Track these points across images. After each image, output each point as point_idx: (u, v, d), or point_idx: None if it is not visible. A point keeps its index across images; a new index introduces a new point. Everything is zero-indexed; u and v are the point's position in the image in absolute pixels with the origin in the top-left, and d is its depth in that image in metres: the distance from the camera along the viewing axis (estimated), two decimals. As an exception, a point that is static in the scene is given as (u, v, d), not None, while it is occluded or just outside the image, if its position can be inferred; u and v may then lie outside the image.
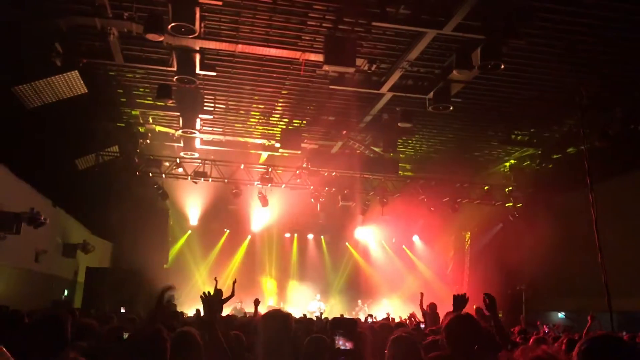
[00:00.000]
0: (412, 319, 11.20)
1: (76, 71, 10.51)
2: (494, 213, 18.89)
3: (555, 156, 15.52)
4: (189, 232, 21.02)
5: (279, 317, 3.40)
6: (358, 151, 15.94)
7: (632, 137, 12.47)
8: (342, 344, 2.88)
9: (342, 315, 15.15)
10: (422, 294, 13.12)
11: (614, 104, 12.34)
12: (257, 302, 9.46)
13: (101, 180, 15.32)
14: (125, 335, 4.44)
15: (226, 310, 13.83)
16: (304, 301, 20.23)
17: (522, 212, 17.86)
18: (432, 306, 14.24)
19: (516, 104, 12.90)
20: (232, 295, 12.14)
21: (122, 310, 12.49)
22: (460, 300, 5.02)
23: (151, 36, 9.09)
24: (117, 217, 16.43)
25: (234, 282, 11.87)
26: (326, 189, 17.72)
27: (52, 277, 14.10)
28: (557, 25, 9.37)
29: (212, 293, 3.53)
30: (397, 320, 13.61)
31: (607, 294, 4.98)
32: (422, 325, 9.86)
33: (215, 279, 12.30)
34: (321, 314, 15.32)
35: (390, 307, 19.82)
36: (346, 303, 21.27)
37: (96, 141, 15.09)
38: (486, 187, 18.00)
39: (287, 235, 22.79)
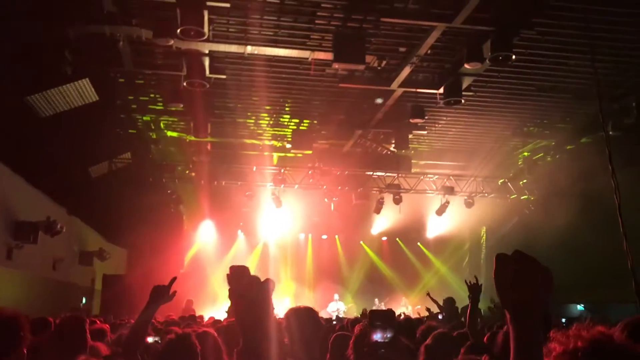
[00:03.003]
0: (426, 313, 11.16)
1: (87, 79, 10.54)
2: (510, 207, 18.77)
3: (569, 147, 15.38)
4: (204, 236, 21.06)
5: (307, 311, 3.37)
6: (370, 149, 15.88)
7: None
8: (381, 336, 2.84)
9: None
10: (428, 294, 13.05)
11: (628, 93, 12.20)
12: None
13: (115, 188, 15.39)
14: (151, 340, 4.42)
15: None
16: (322, 302, 20.19)
17: (538, 204, 17.71)
18: (450, 300, 14.17)
19: (529, 96, 12.78)
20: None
21: None
22: (474, 289, 5.05)
23: (160, 41, 9.11)
24: (132, 224, 16.47)
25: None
26: (339, 188, 17.69)
27: (70, 284, 14.19)
28: (570, 14, 9.25)
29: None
30: (413, 317, 13.58)
31: (634, 280, 4.88)
32: (440, 316, 9.77)
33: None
34: (344, 313, 15.30)
35: (409, 304, 19.74)
36: (363, 302, 21.19)
37: (109, 148, 15.16)
38: (500, 181, 17.89)
39: (302, 235, 22.77)
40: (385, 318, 2.97)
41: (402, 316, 14.46)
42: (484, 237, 21.12)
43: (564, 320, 11.58)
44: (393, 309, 3.47)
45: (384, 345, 2.85)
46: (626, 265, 5.44)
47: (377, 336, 2.87)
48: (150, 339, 4.17)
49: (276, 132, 15.53)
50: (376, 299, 20.92)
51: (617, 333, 1.68)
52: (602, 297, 14.20)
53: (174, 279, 3.38)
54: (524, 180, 17.84)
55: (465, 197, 18.05)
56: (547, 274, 1.57)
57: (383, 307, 19.61)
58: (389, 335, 2.86)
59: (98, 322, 6.94)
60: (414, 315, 16.61)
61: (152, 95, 13.18)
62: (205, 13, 8.54)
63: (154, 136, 15.64)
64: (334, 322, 10.32)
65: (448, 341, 3.77)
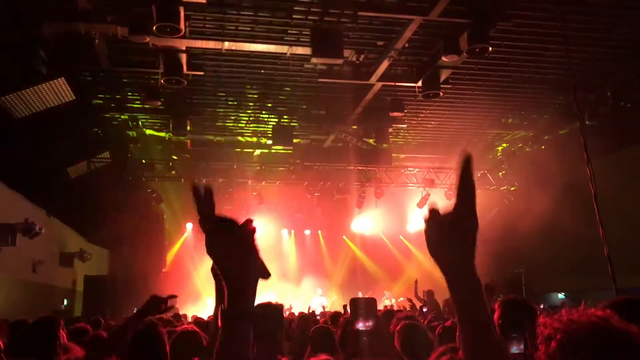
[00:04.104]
0: (409, 304, 11.23)
1: (62, 78, 10.41)
2: (489, 198, 18.91)
3: (546, 137, 15.55)
4: (186, 234, 20.95)
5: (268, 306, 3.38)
6: (350, 144, 15.91)
7: (623, 114, 12.51)
8: (363, 325, 2.86)
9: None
10: (416, 282, 13.07)
11: (603, 83, 12.36)
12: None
13: (94, 187, 15.23)
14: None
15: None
16: (306, 297, 20.21)
17: (517, 195, 17.90)
18: (430, 293, 14.29)
19: (506, 87, 12.90)
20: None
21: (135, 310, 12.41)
22: None
23: (136, 38, 9.03)
24: (112, 224, 16.32)
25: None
26: (321, 183, 17.71)
27: (51, 287, 14.03)
28: (544, 5, 9.34)
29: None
30: (397, 309, 13.66)
31: (610, 268, 4.96)
32: (425, 310, 9.85)
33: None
34: (324, 308, 15.34)
35: (393, 297, 19.83)
36: (347, 296, 21.24)
37: (87, 148, 15.02)
38: (480, 172, 18.04)
39: (285, 231, 22.75)
40: (368, 306, 3.00)
41: (383, 308, 14.56)
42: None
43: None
44: (374, 297, 3.49)
45: (366, 333, 2.88)
46: (603, 253, 5.53)
47: (360, 325, 2.89)
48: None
49: (256, 129, 15.49)
50: (360, 293, 20.95)
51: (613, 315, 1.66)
52: (582, 285, 14.39)
53: (174, 296, 3.35)
54: (503, 172, 18.03)
55: (446, 189, 18.17)
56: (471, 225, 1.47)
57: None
58: (371, 323, 2.89)
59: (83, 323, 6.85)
60: (398, 308, 16.70)
61: (129, 94, 13.07)
62: (181, 9, 8.48)
63: (133, 135, 15.51)
64: (318, 317, 10.36)
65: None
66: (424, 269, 21.17)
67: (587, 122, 12.56)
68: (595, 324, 1.59)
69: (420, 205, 19.00)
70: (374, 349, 2.85)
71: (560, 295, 16.05)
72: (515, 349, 2.49)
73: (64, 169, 14.16)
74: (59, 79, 10.34)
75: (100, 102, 13.38)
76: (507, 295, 3.51)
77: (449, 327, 4.19)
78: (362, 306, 2.98)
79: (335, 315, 7.96)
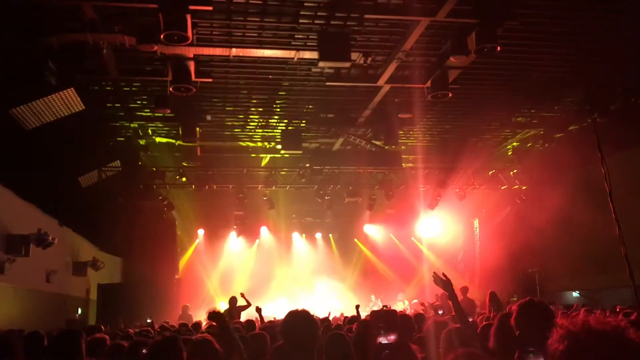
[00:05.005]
0: (423, 307, 11.19)
1: (72, 88, 10.45)
2: (501, 197, 18.82)
3: (557, 135, 15.44)
4: (197, 241, 21.01)
5: (303, 314, 3.36)
6: (360, 146, 15.87)
7: (634, 111, 12.40)
8: (385, 338, 2.82)
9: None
10: (422, 303, 13.09)
11: (614, 80, 12.26)
12: (258, 310, 9.51)
13: (105, 196, 15.32)
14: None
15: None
16: (319, 301, 20.17)
17: (529, 193, 17.78)
18: (444, 295, 14.24)
19: (515, 86, 12.81)
20: (249, 304, 12.48)
21: (149, 320, 12.47)
22: (445, 284, 4.73)
23: (144, 47, 9.06)
24: (124, 232, 16.41)
25: (242, 295, 12.88)
26: (331, 187, 17.69)
27: (64, 296, 14.09)
28: (551, 3, 9.29)
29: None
30: (411, 311, 13.58)
31: (628, 266, 4.89)
32: (440, 312, 9.80)
33: (242, 294, 12.77)
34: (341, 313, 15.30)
35: (406, 299, 19.76)
36: (360, 299, 21.20)
37: (97, 157, 15.09)
38: (491, 172, 17.94)
39: (296, 235, 22.76)
40: (388, 320, 2.96)
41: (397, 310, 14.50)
42: (478, 229, 21.16)
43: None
44: (395, 309, 3.46)
45: (388, 347, 2.85)
46: (619, 251, 5.46)
47: (382, 338, 2.86)
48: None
49: (265, 134, 15.50)
50: (372, 295, 20.92)
51: (628, 325, 1.60)
52: (597, 284, 14.27)
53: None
54: (515, 170, 17.92)
55: (457, 190, 18.09)
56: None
57: (379, 303, 19.63)
58: (392, 337, 2.86)
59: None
60: (411, 310, 16.64)
61: (138, 102, 13.12)
62: (188, 17, 8.49)
63: (143, 143, 15.57)
64: (330, 321, 10.30)
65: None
66: (435, 270, 21.12)
67: (597, 119, 12.47)
68: (607, 334, 1.54)
69: (431, 206, 18.92)
70: None
71: (575, 294, 15.91)
72: None
73: (75, 179, 14.23)
74: (68, 90, 10.38)
75: (110, 111, 13.44)
76: (524, 298, 3.46)
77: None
78: (382, 319, 2.95)
79: (351, 320, 7.93)
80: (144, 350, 3.78)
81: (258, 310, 9.59)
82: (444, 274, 4.40)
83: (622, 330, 1.55)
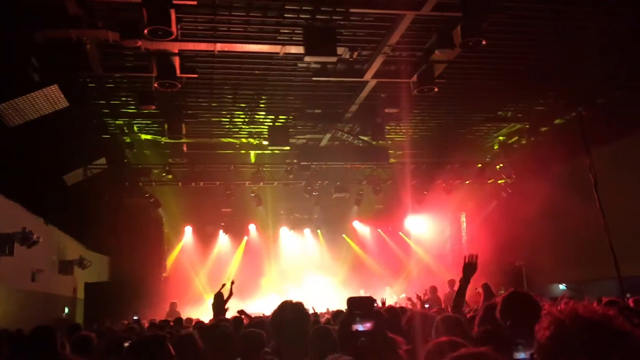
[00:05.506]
0: (411, 301, 11.23)
1: (56, 85, 10.35)
2: (488, 191, 18.91)
3: (543, 129, 15.53)
4: (185, 238, 20.90)
5: (296, 305, 3.33)
6: (347, 142, 15.87)
7: (620, 103, 12.49)
8: (361, 325, 2.80)
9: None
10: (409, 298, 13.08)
11: (599, 73, 12.33)
12: (241, 312, 9.43)
13: (91, 194, 15.20)
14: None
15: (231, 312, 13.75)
16: (307, 296, 20.16)
17: (516, 187, 17.87)
18: (433, 289, 14.32)
19: (501, 80, 12.86)
20: (231, 294, 12.37)
21: (135, 317, 12.40)
22: (468, 268, 4.99)
23: (128, 42, 8.98)
24: (111, 230, 16.28)
25: (232, 283, 12.62)
26: (319, 182, 17.67)
27: (51, 295, 13.96)
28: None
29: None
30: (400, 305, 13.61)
31: (613, 257, 4.93)
32: (427, 305, 9.83)
33: (224, 284, 12.58)
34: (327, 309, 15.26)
35: (394, 294, 19.80)
36: (349, 294, 21.20)
37: (83, 155, 14.97)
38: (478, 166, 18.02)
39: (284, 232, 22.70)
40: (365, 306, 2.94)
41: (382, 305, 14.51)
42: (465, 223, 21.26)
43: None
44: (373, 297, 3.44)
45: (364, 334, 2.83)
46: (605, 243, 5.51)
47: (358, 325, 2.84)
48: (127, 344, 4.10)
49: (252, 130, 15.44)
50: (362, 290, 20.93)
51: (618, 314, 1.62)
52: (583, 276, 14.37)
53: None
54: (501, 164, 18.01)
55: (444, 185, 18.16)
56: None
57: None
58: (368, 324, 2.83)
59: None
60: (400, 304, 16.67)
61: (123, 99, 13.01)
62: (172, 12, 8.43)
63: (128, 140, 15.45)
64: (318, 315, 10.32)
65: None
66: (423, 264, 21.19)
67: (583, 113, 12.56)
68: (594, 321, 1.55)
69: (418, 201, 18.97)
70: (372, 350, 2.80)
71: (562, 287, 16.02)
72: (522, 355, 2.43)
73: (60, 177, 14.10)
74: (52, 87, 10.29)
75: (95, 108, 13.32)
76: (509, 289, 3.48)
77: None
78: (359, 306, 2.92)
79: (337, 315, 7.93)
80: (125, 344, 3.74)
81: (241, 312, 9.48)
82: (473, 255, 4.65)
83: (609, 318, 1.56)
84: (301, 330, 3.24)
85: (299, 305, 3.35)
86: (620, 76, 12.27)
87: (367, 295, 18.21)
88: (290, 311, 3.30)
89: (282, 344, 3.30)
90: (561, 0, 9.52)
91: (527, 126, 15.82)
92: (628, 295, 6.93)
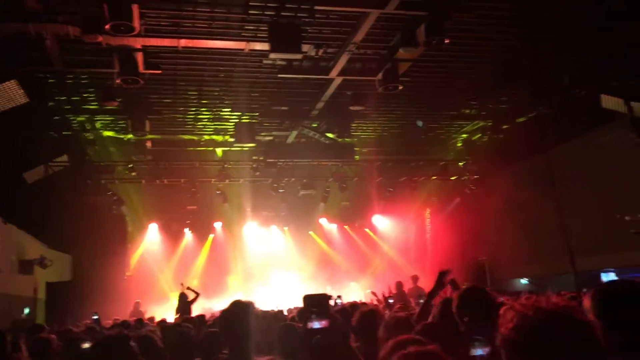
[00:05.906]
0: (375, 296, 11.31)
1: (14, 80, 10.10)
2: (451, 188, 19.19)
3: (505, 127, 15.80)
4: (149, 236, 20.62)
5: (243, 305, 3.33)
6: (313, 139, 15.88)
7: (578, 102, 12.79)
8: (317, 323, 2.81)
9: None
10: (373, 293, 13.13)
11: (560, 71, 12.58)
12: (187, 288, 9.50)
13: (52, 192, 14.86)
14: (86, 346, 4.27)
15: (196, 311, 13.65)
16: (274, 293, 20.12)
17: (478, 184, 18.19)
18: (399, 284, 14.45)
19: (464, 79, 13.04)
20: (198, 295, 12.30)
21: (95, 317, 12.19)
22: (443, 275, 5.01)
23: (88, 38, 8.83)
24: (73, 229, 15.96)
25: (186, 286, 12.60)
26: (285, 179, 17.65)
27: (10, 296, 13.62)
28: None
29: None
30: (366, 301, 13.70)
31: (569, 252, 5.07)
32: (391, 301, 9.90)
33: (182, 284, 12.44)
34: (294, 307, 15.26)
35: (361, 290, 19.93)
36: (316, 291, 21.22)
37: (43, 152, 14.64)
38: (442, 163, 18.26)
39: (250, 229, 22.60)
40: (320, 304, 2.96)
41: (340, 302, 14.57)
42: (429, 219, 21.54)
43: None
44: (327, 293, 3.45)
45: (320, 331, 2.84)
46: (563, 238, 5.66)
47: (313, 323, 2.85)
48: (86, 345, 4.04)
49: (217, 127, 15.33)
50: (328, 287, 21.00)
51: (578, 306, 1.71)
52: (544, 271, 14.70)
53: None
54: (464, 161, 18.28)
55: (409, 181, 18.35)
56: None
57: (335, 295, 19.68)
58: (324, 322, 2.85)
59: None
60: (366, 300, 16.78)
61: (85, 95, 12.76)
62: (135, 7, 8.31)
63: (90, 137, 15.17)
64: (286, 314, 10.31)
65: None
66: (389, 259, 21.39)
67: (543, 111, 12.84)
68: (555, 312, 1.63)
69: (383, 198, 19.14)
70: (327, 348, 2.82)
71: (524, 281, 16.36)
72: (480, 351, 2.46)
73: (20, 174, 13.77)
74: (10, 82, 10.04)
75: (56, 104, 13.04)
76: (467, 285, 3.54)
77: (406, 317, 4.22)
78: (314, 304, 2.93)
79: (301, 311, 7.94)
80: (85, 345, 3.69)
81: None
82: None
83: (569, 310, 1.64)
84: (247, 329, 3.23)
85: (247, 305, 3.35)
86: (578, 76, 12.55)
87: (338, 293, 18.36)
88: (236, 311, 3.30)
89: (232, 344, 3.30)
90: (525, 0, 9.68)
91: (490, 124, 16.08)
92: (584, 289, 7.14)
